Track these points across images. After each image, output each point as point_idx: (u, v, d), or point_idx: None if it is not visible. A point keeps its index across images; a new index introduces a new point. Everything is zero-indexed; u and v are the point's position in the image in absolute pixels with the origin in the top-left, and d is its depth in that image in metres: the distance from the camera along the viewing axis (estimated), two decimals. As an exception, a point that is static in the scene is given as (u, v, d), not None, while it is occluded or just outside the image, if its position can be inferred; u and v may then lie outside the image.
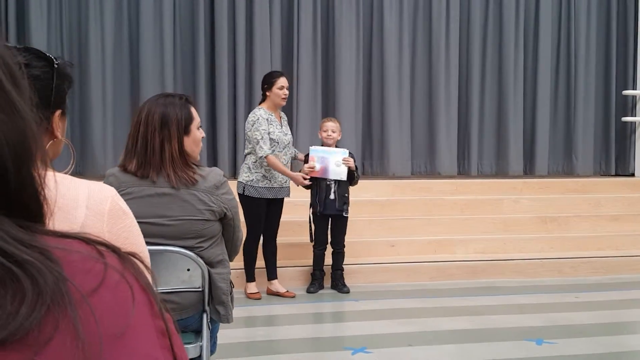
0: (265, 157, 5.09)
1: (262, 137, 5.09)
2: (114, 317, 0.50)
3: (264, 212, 5.21)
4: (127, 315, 0.51)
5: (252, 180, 5.14)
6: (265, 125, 5.12)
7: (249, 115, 5.30)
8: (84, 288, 0.49)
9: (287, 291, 5.48)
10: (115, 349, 0.49)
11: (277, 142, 5.18)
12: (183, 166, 2.41)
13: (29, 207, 0.52)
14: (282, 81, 5.22)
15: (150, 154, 2.38)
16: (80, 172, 7.22)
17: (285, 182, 5.29)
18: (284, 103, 5.28)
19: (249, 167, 5.20)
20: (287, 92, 5.25)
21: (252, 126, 5.14)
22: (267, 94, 5.22)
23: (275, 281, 5.50)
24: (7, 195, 0.50)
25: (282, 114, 5.47)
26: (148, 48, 7.31)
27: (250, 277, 5.41)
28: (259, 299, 5.36)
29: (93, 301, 0.49)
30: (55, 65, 1.25)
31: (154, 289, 0.55)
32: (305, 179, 5.26)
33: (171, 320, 0.56)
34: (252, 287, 5.41)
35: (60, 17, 7.21)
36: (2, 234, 0.48)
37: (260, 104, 5.35)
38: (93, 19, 7.20)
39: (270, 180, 5.18)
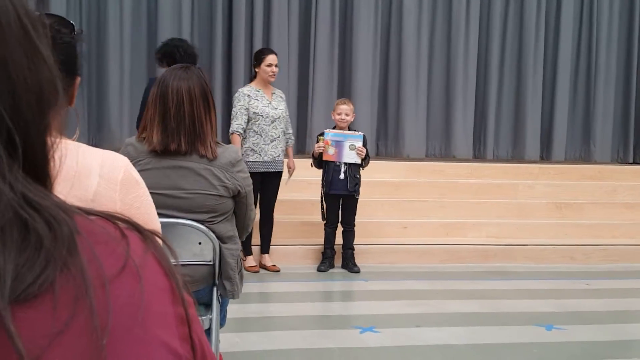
0: (231, 134, 5.29)
1: (237, 113, 5.27)
2: (133, 306, 0.48)
3: (257, 186, 5.21)
4: (146, 304, 0.48)
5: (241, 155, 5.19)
6: (243, 100, 5.26)
7: None
8: (106, 272, 0.47)
9: (273, 265, 5.57)
10: (131, 338, 0.47)
11: (262, 116, 5.27)
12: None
13: (37, 167, 0.49)
14: (271, 59, 5.31)
15: (200, 130, 2.37)
16: (96, 144, 7.27)
17: (278, 155, 5.35)
18: (272, 79, 5.36)
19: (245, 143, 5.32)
20: (275, 69, 5.33)
21: (233, 102, 5.38)
22: (257, 70, 5.36)
23: (266, 255, 5.60)
24: (18, 143, 0.47)
25: (277, 90, 5.52)
26: (166, 22, 7.30)
27: (247, 251, 5.48)
28: (257, 272, 5.45)
29: (114, 288, 0.47)
30: (75, 32, 1.25)
31: (176, 271, 0.53)
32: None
33: (192, 305, 0.53)
34: (250, 261, 5.50)
35: (79, -12, 7.21)
36: (22, 180, 0.46)
37: (251, 80, 5.49)
38: (112, -9, 7.20)
39: (260, 154, 5.25)
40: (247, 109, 5.25)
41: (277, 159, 5.36)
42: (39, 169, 0.50)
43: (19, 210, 0.45)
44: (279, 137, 5.35)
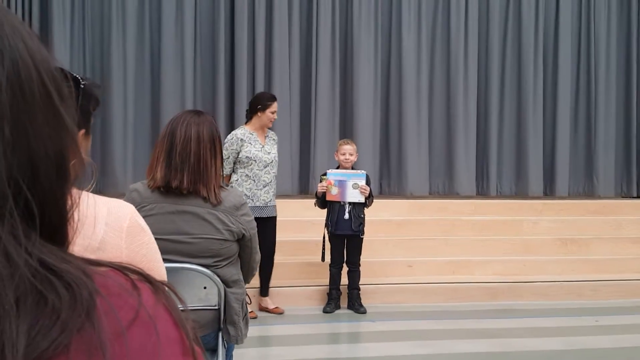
0: (225, 176, 5.34)
1: (228, 157, 5.24)
2: (144, 357, 0.48)
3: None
4: (157, 356, 0.49)
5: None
6: (236, 145, 5.26)
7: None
8: (119, 324, 0.47)
9: (276, 307, 5.52)
10: None
11: (255, 161, 5.26)
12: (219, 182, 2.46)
13: (55, 229, 0.50)
14: (275, 106, 5.35)
15: (204, 170, 2.39)
16: (100, 189, 7.28)
17: (270, 200, 5.33)
18: (270, 125, 5.42)
19: (231, 186, 5.28)
20: (276, 116, 5.39)
21: (225, 144, 5.35)
22: (259, 114, 5.30)
23: (266, 298, 5.55)
24: (35, 213, 0.47)
25: (270, 132, 5.54)
26: (169, 67, 7.39)
27: None
28: (255, 317, 5.21)
29: (126, 340, 0.47)
30: (82, 86, 1.27)
31: (186, 322, 0.53)
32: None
33: (201, 356, 0.54)
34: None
35: (83, 34, 7.31)
36: (39, 246, 0.46)
37: (246, 122, 5.45)
38: (115, 37, 7.30)
39: (252, 200, 5.21)
40: (238, 153, 5.25)
41: (269, 204, 5.33)
42: (57, 232, 0.50)
43: (35, 281, 0.45)
44: (271, 182, 5.35)
